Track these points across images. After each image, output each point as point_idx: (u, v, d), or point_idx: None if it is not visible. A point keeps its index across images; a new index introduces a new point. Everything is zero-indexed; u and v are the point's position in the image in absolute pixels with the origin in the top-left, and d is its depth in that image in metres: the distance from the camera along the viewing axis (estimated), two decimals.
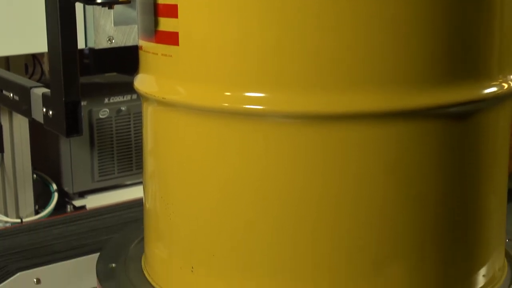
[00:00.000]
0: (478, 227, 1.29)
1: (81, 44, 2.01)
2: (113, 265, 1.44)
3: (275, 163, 1.18)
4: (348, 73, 1.14)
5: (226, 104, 1.19)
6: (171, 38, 1.23)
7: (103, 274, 1.43)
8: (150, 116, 1.34)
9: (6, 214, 2.24)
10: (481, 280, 1.31)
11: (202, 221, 1.26)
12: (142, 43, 1.32)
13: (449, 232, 1.25)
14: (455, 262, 1.27)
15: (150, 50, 1.29)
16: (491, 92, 1.23)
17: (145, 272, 1.43)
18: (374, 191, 1.18)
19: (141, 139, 1.40)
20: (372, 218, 1.19)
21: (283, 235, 1.20)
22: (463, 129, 1.23)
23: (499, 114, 1.28)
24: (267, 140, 1.18)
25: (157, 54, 1.27)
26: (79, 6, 1.78)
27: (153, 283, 1.39)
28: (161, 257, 1.36)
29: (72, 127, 1.37)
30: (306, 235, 1.20)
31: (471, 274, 1.30)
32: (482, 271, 1.31)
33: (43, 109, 1.48)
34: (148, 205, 1.39)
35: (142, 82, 1.33)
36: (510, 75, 1.27)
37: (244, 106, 1.17)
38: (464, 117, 1.23)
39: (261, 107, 1.17)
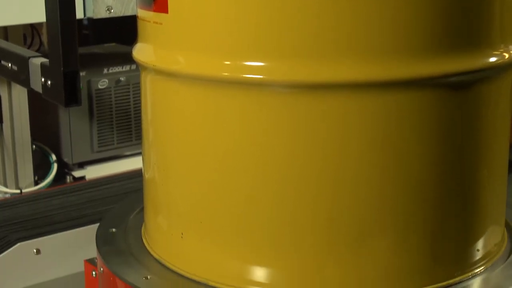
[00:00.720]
0: (472, 201, 1.28)
1: (79, 14, 2.00)
2: (113, 229, 1.45)
3: (274, 133, 1.18)
4: (347, 42, 1.13)
5: (226, 74, 1.18)
6: (162, 6, 1.22)
7: (102, 239, 1.45)
8: (148, 86, 1.33)
9: (5, 185, 2.24)
10: (475, 254, 1.30)
11: (200, 191, 1.26)
12: (140, 12, 1.32)
13: (442, 205, 1.24)
14: (446, 236, 1.26)
15: (147, 19, 1.28)
16: (492, 62, 1.22)
17: (143, 240, 1.43)
18: (373, 161, 1.18)
19: (140, 109, 1.40)
20: (372, 189, 1.19)
21: (283, 206, 1.20)
22: (463, 99, 1.22)
23: (500, 84, 1.27)
24: (267, 110, 1.17)
25: (154, 22, 1.26)
26: None
27: (149, 250, 1.40)
28: (161, 226, 1.36)
29: (71, 97, 1.37)
30: (305, 206, 1.20)
31: (463, 249, 1.29)
32: (476, 245, 1.30)
33: (41, 79, 1.47)
34: (147, 175, 1.39)
35: (140, 51, 1.33)
36: None
37: (243, 75, 1.17)
38: (464, 87, 1.22)
39: (261, 77, 1.16)
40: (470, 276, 1.28)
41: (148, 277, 1.32)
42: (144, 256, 1.39)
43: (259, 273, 1.25)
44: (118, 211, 1.57)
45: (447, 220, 1.25)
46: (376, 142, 1.18)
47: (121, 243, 1.44)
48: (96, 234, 1.45)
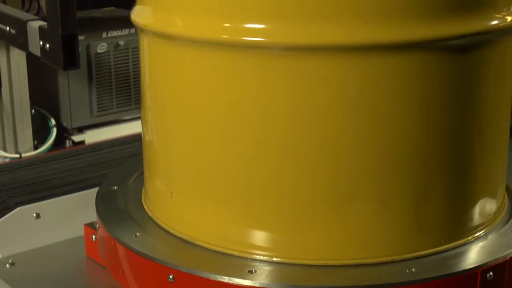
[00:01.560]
0: (464, 169, 1.27)
1: None
2: (114, 188, 1.46)
3: (273, 96, 1.17)
4: (348, 4, 1.13)
5: (226, 36, 1.17)
6: None
7: (101, 198, 1.47)
8: (147, 49, 1.32)
9: (5, 149, 2.24)
10: (465, 223, 1.29)
11: (198, 154, 1.26)
12: None
13: (428, 172, 1.23)
14: (431, 203, 1.25)
15: None
16: (494, 25, 1.21)
17: (143, 200, 1.44)
18: (374, 123, 1.17)
19: (139, 73, 1.39)
20: (375, 152, 1.19)
21: (283, 168, 1.20)
22: (465, 63, 1.21)
23: (502, 48, 1.26)
24: (267, 73, 1.17)
25: None
26: None
27: (146, 209, 1.41)
28: (157, 187, 1.36)
29: (70, 60, 1.36)
30: (306, 169, 1.20)
31: (452, 217, 1.28)
32: (468, 214, 1.29)
33: (40, 42, 1.46)
34: (146, 138, 1.38)
35: (139, 14, 1.31)
36: None
37: (243, 38, 1.16)
38: (465, 50, 1.21)
39: (261, 39, 1.15)
40: (459, 245, 1.27)
41: (137, 234, 1.33)
42: (140, 215, 1.41)
43: (246, 235, 1.25)
44: (118, 174, 1.57)
45: (433, 187, 1.24)
46: (377, 105, 1.17)
47: (120, 202, 1.46)
48: (96, 195, 1.47)
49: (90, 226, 1.50)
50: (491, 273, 1.21)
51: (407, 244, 1.24)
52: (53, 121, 2.33)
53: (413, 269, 1.20)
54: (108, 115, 2.37)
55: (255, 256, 1.24)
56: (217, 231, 1.28)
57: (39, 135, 2.32)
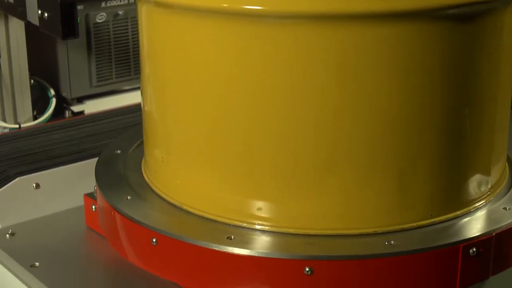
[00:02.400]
0: (457, 140, 1.25)
1: None
2: (118, 151, 1.47)
3: (274, 65, 1.17)
4: None
5: (225, 5, 1.16)
6: None
7: (101, 164, 1.48)
8: (145, 18, 1.31)
9: (4, 120, 2.23)
10: (457, 197, 1.28)
11: (192, 121, 1.25)
12: None
13: (427, 142, 1.23)
14: (417, 175, 1.24)
15: None
16: None
17: (142, 166, 1.45)
18: (377, 94, 1.17)
19: (138, 43, 1.38)
20: (357, 122, 1.18)
21: (266, 136, 1.20)
22: (468, 32, 1.20)
23: (505, 17, 1.25)
24: (267, 42, 1.16)
25: None
26: None
27: (144, 175, 1.42)
28: (154, 154, 1.36)
29: (68, 29, 1.35)
30: (288, 137, 1.20)
31: (439, 190, 1.26)
32: (460, 187, 1.28)
33: (38, 11, 1.45)
34: (146, 108, 1.38)
35: None
36: None
37: (243, 6, 1.15)
38: (468, 19, 1.20)
39: (261, 8, 1.14)
40: (446, 219, 1.26)
41: (128, 197, 1.35)
42: (137, 180, 1.43)
43: (230, 201, 1.27)
44: (122, 140, 1.57)
45: (418, 160, 1.23)
46: (377, 75, 1.17)
47: (120, 166, 1.47)
48: (98, 158, 1.49)
49: (90, 196, 1.50)
50: (474, 249, 1.19)
51: (391, 216, 1.23)
52: (52, 92, 2.32)
53: (392, 242, 1.19)
54: (108, 85, 2.35)
55: (238, 223, 1.25)
56: (203, 197, 1.29)
57: (38, 106, 2.31)
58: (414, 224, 1.24)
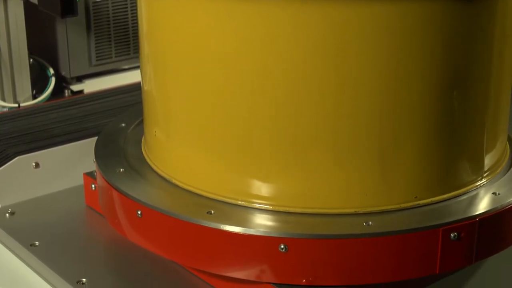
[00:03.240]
0: (444, 122, 1.23)
1: None
2: (122, 124, 1.47)
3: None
4: None
5: None
6: None
7: (101, 141, 1.48)
8: None
9: (3, 99, 2.22)
10: (444, 180, 1.26)
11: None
12: None
13: (410, 123, 1.21)
14: (399, 155, 1.21)
15: None
16: None
17: (142, 145, 1.45)
18: (360, 73, 1.16)
19: (138, 22, 1.37)
20: (337, 98, 1.17)
21: (263, 114, 1.20)
22: (471, 11, 1.19)
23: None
24: (267, 20, 1.16)
25: None
26: None
27: (143, 151, 1.42)
28: (148, 128, 1.36)
29: (67, 7, 1.34)
30: (269, 113, 1.19)
31: (426, 172, 1.24)
32: (447, 170, 1.26)
33: None
34: (145, 87, 1.37)
35: None
36: None
37: None
38: None
39: None
40: (431, 202, 1.24)
41: (121, 170, 1.36)
42: (135, 153, 1.44)
43: (214, 176, 1.27)
44: (121, 119, 1.57)
45: (401, 140, 1.21)
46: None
47: (120, 140, 1.48)
48: (100, 133, 1.49)
49: (90, 175, 1.50)
50: (455, 234, 1.18)
51: (373, 197, 1.22)
52: (51, 71, 2.31)
53: (370, 223, 1.18)
54: (107, 64, 2.35)
55: (222, 198, 1.26)
56: (189, 171, 1.30)
57: (38, 85, 2.30)
58: (397, 206, 1.23)
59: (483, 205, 1.24)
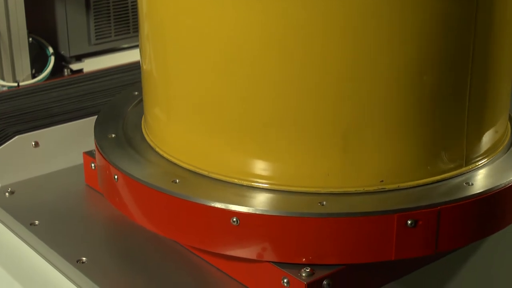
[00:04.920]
0: (414, 105, 1.18)
1: None
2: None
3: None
4: None
5: None
6: None
7: (111, 104, 1.50)
8: None
9: (2, 78, 2.22)
10: (416, 165, 1.22)
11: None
12: None
13: (376, 104, 1.17)
14: (364, 137, 1.18)
15: None
16: None
17: (142, 128, 1.45)
18: (324, 48, 1.14)
19: (137, 0, 1.37)
20: (325, 79, 1.16)
21: (285, 92, 1.19)
22: None
23: None
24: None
25: None
26: None
27: (143, 129, 1.42)
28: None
29: None
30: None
31: (393, 155, 1.20)
32: (419, 155, 1.21)
33: None
34: (144, 66, 1.37)
35: None
36: None
37: None
38: None
39: None
40: (397, 188, 1.21)
41: (113, 136, 1.40)
42: (134, 120, 1.46)
43: (189, 145, 1.28)
44: (117, 102, 1.57)
45: (365, 121, 1.18)
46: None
47: (123, 111, 1.49)
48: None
49: (89, 154, 1.49)
50: (412, 221, 1.15)
51: (336, 178, 1.20)
52: (50, 50, 2.31)
53: (324, 203, 1.17)
54: (106, 43, 2.34)
55: (191, 167, 1.27)
56: (165, 139, 1.33)
57: (37, 64, 2.30)
58: (361, 189, 1.20)
59: (448, 194, 1.19)
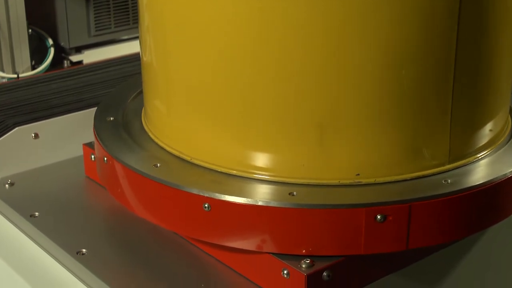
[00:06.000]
0: (385, 97, 1.16)
1: None
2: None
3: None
4: None
5: None
6: None
7: (111, 95, 1.52)
8: None
9: (2, 70, 2.22)
10: (394, 164, 1.20)
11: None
12: None
13: (348, 94, 1.16)
14: (338, 130, 1.18)
15: None
16: None
17: (142, 117, 1.45)
18: (302, 38, 1.14)
19: None
20: (299, 69, 1.15)
21: (260, 82, 1.19)
22: None
23: None
24: None
25: None
26: None
27: (142, 120, 1.42)
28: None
29: None
30: (284, 81, 1.18)
31: (371, 153, 1.19)
32: (394, 150, 1.19)
33: None
34: (144, 58, 1.37)
35: None
36: None
37: None
38: None
39: None
40: (372, 183, 1.19)
41: (111, 118, 1.42)
42: (134, 107, 1.48)
43: (171, 129, 1.30)
44: (117, 94, 1.57)
45: (339, 113, 1.17)
46: (315, 26, 1.13)
47: (125, 97, 1.51)
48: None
49: (89, 145, 1.49)
50: (381, 216, 1.13)
51: (312, 170, 1.19)
52: (50, 41, 2.31)
53: (294, 193, 1.17)
54: (106, 34, 2.34)
55: (173, 151, 1.30)
56: (153, 122, 1.36)
57: (37, 55, 2.30)
58: (336, 181, 1.19)
59: (422, 191, 1.17)
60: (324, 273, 1.14)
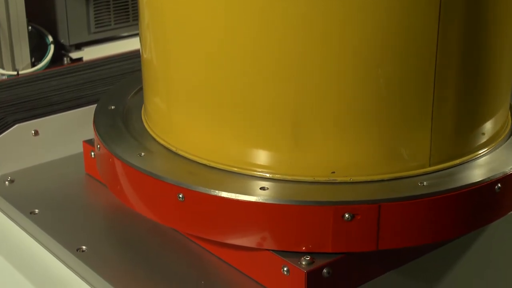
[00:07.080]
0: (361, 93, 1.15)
1: None
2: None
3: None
4: None
5: None
6: None
7: (110, 93, 1.52)
8: None
9: (2, 67, 2.22)
10: (371, 164, 1.19)
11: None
12: None
13: (325, 90, 1.15)
14: (312, 128, 1.17)
15: None
16: None
17: (142, 115, 1.45)
18: (282, 30, 1.14)
19: None
20: (275, 62, 1.15)
21: (237, 77, 1.19)
22: None
23: None
24: None
25: None
26: None
27: (142, 116, 1.42)
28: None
29: None
30: (259, 75, 1.18)
31: (348, 152, 1.18)
32: (378, 153, 1.19)
33: None
34: (144, 55, 1.37)
35: None
36: None
37: None
38: None
39: None
40: (348, 181, 1.18)
41: (113, 107, 1.45)
42: (136, 102, 1.49)
43: (159, 121, 1.32)
44: (116, 91, 1.57)
45: (315, 110, 1.15)
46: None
47: (125, 96, 1.51)
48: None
49: (89, 143, 1.49)
50: (349, 215, 1.12)
51: (287, 165, 1.19)
52: (50, 38, 2.31)
53: (266, 187, 1.16)
54: (106, 31, 2.34)
55: (162, 142, 1.32)
56: (150, 117, 1.37)
57: (37, 52, 2.30)
58: (310, 178, 1.18)
59: (394, 192, 1.15)
60: (324, 270, 1.14)
